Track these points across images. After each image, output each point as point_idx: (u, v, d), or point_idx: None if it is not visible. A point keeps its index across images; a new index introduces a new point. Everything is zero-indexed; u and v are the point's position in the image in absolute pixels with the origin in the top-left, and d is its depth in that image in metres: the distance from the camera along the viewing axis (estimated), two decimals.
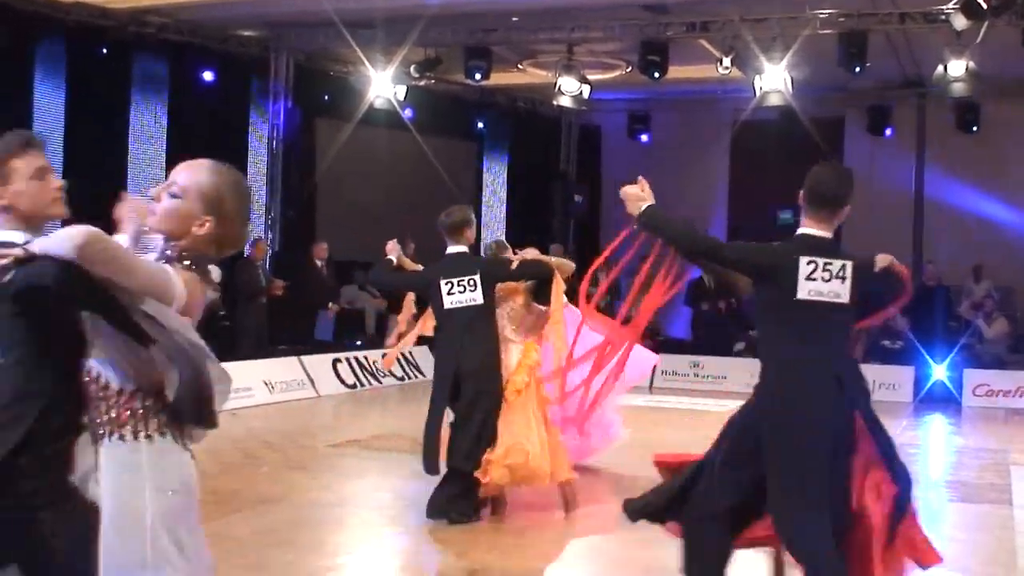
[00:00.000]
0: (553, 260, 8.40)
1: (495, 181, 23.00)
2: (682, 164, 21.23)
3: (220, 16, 16.91)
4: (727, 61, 16.23)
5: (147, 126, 17.86)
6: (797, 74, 16.35)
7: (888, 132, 20.13)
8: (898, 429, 13.08)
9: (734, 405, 13.08)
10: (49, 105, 16.65)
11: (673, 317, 20.24)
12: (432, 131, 20.52)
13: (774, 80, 16.11)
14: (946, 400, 15.29)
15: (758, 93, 16.41)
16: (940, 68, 15.63)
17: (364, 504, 8.44)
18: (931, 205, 20.42)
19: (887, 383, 15.93)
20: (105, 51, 16.81)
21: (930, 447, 12.67)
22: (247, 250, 15.73)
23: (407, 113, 19.01)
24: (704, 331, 18.38)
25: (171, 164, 13.95)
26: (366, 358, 15.62)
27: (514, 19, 16.65)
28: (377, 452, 10.26)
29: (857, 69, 15.31)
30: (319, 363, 14.67)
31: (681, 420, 12.32)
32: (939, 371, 15.68)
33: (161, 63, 17.89)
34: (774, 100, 16.47)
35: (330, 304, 16.36)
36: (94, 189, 17.47)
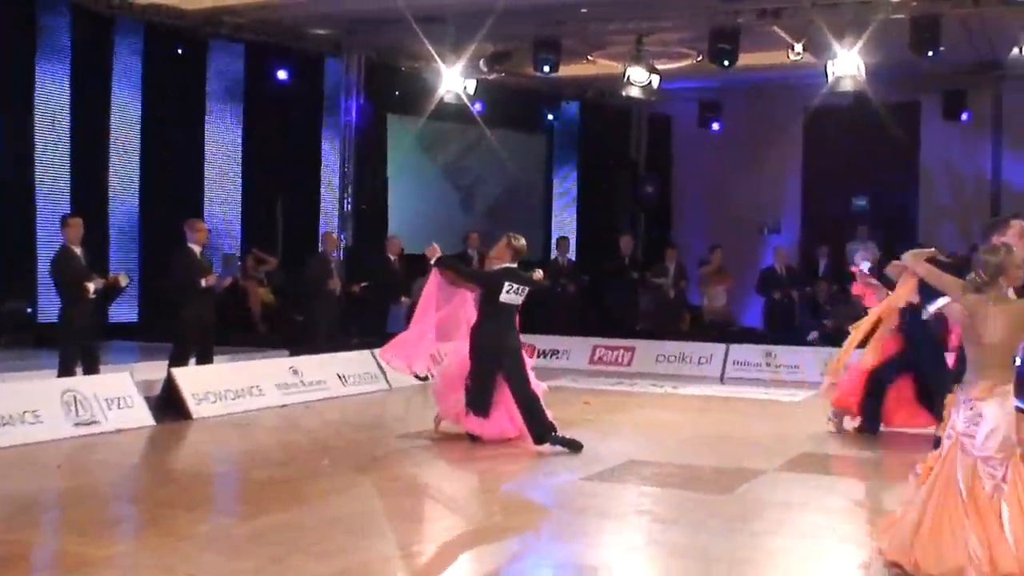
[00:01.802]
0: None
1: (565, 173, 23.00)
2: (754, 152, 21.08)
3: (293, 15, 17.10)
4: (799, 47, 16.09)
5: (223, 124, 18.18)
6: (870, 59, 16.12)
7: (964, 116, 19.77)
8: None
9: (805, 396, 13.10)
10: (127, 105, 17.00)
11: (746, 306, 20.11)
12: (502, 124, 20.58)
13: (847, 65, 15.88)
14: None
15: (831, 79, 16.17)
16: (1016, 50, 15.34)
17: (434, 495, 8.52)
18: (1009, 190, 20.03)
19: None
20: (181, 51, 17.12)
21: None
22: (320, 245, 15.93)
23: (477, 107, 19.06)
24: (777, 320, 18.20)
25: (247, 161, 14.38)
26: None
27: (583, 10, 16.60)
28: (447, 443, 10.33)
29: (930, 53, 15.06)
30: None
31: (752, 410, 12.24)
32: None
33: (236, 62, 18.19)
34: (847, 85, 16.23)
35: (402, 298, 16.48)
36: (172, 188, 17.99)
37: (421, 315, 10.69)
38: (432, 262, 10.58)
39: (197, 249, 12.44)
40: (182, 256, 12.40)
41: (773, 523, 7.41)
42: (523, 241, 10.46)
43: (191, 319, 12.29)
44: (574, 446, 9.76)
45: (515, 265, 10.28)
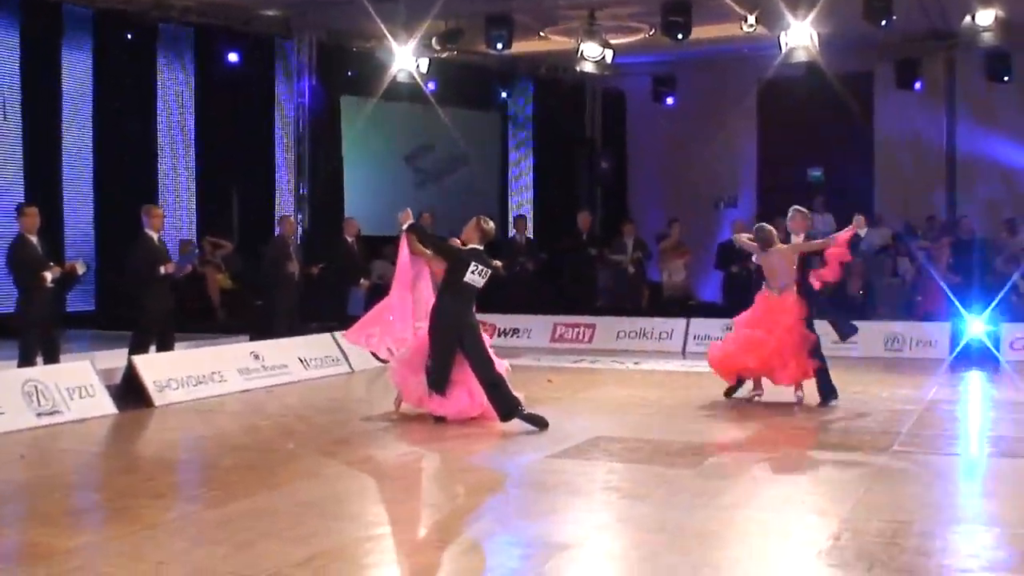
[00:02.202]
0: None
1: (520, 150, 22.96)
2: (709, 125, 21.12)
3: None
4: (752, 19, 16.11)
5: (175, 109, 17.96)
6: (823, 29, 16.17)
7: (918, 86, 19.90)
8: (936, 385, 13.03)
9: None
10: (78, 92, 16.77)
11: (705, 281, 20.19)
12: (456, 103, 20.50)
13: (800, 36, 15.95)
14: (984, 355, 15.16)
15: (784, 50, 16.24)
16: (968, 18, 15.46)
17: (401, 476, 8.50)
18: (964, 158, 20.21)
19: (924, 340, 15.84)
20: (130, 36, 16.89)
21: (968, 402, 12.60)
22: (277, 228, 15.79)
23: (430, 86, 18.96)
24: (736, 294, 18.27)
25: (199, 147, 14.26)
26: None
27: None
28: (412, 425, 10.31)
29: (883, 23, 15.13)
30: None
31: (713, 383, 12.27)
32: (976, 326, 15.52)
33: (186, 46, 17.97)
34: (800, 56, 16.30)
35: (362, 280, 16.41)
36: (126, 175, 17.75)
37: (396, 288, 10.73)
38: (404, 228, 10.54)
39: (155, 236, 12.33)
40: (141, 243, 12.26)
41: (741, 496, 7.45)
42: (492, 224, 10.56)
43: (151, 306, 12.18)
44: (540, 423, 9.76)
45: (482, 248, 10.28)
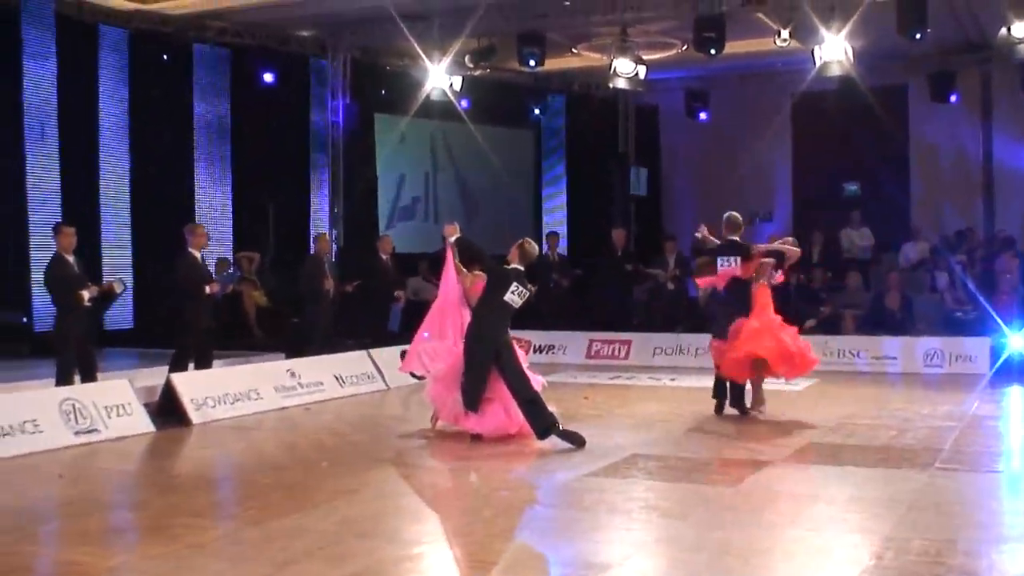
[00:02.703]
0: None
1: (554, 167, 22.96)
2: (743, 140, 21.06)
3: (277, 17, 17.05)
4: (785, 33, 16.06)
5: (211, 129, 18.08)
6: (857, 43, 16.10)
7: (953, 98, 19.74)
8: (977, 401, 12.88)
9: (807, 384, 13.08)
10: (114, 113, 16.91)
11: None
12: (489, 120, 20.55)
13: (834, 50, 15.87)
14: None
15: (818, 64, 16.16)
16: (1004, 30, 15.32)
17: (438, 494, 8.48)
18: (1000, 171, 20.04)
19: (963, 355, 15.64)
20: (166, 57, 17.02)
21: (1011, 418, 12.45)
22: (312, 246, 15.85)
23: (463, 104, 19.01)
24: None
25: (236, 165, 14.38)
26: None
27: (566, 3, 16.58)
28: (448, 442, 10.29)
29: (918, 36, 15.03)
30: (388, 356, 14.74)
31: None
32: (1016, 341, 15.35)
33: (222, 66, 18.11)
34: (835, 70, 16.22)
35: (396, 293, 16.47)
36: (162, 194, 17.93)
37: (440, 302, 10.90)
38: (451, 240, 10.55)
39: (198, 254, 12.50)
40: (184, 262, 12.43)
41: (782, 514, 7.39)
42: (535, 246, 10.62)
43: (193, 324, 12.34)
44: (577, 440, 9.72)
45: (523, 268, 10.29)
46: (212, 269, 14.71)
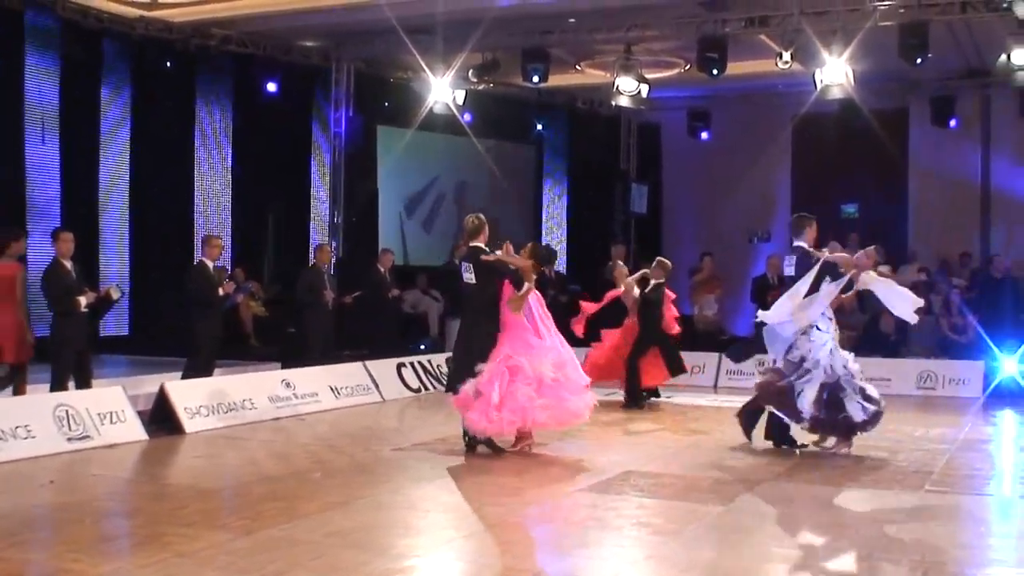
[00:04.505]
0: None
1: (555, 183, 23.02)
2: (743, 160, 21.13)
3: (282, 27, 17.11)
4: (787, 55, 16.14)
5: (213, 137, 18.14)
6: (858, 66, 16.18)
7: (953, 123, 19.85)
8: (969, 424, 12.91)
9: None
10: (117, 119, 16.97)
11: (738, 315, 20.11)
12: (491, 134, 20.61)
13: (835, 73, 15.96)
14: (1017, 394, 15.02)
15: (819, 86, 16.26)
16: (1003, 56, 15.41)
17: (431, 507, 8.48)
18: (998, 196, 20.13)
19: (957, 378, 15.71)
20: (170, 64, 17.08)
21: (1002, 442, 12.47)
22: (312, 257, 15.89)
23: (466, 118, 19.07)
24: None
25: (236, 175, 14.40)
26: (430, 362, 15.69)
27: (571, 20, 16.66)
28: (442, 455, 10.30)
29: (919, 60, 15.12)
30: (384, 368, 14.77)
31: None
32: (1009, 365, 15.39)
33: (225, 75, 18.18)
34: (835, 93, 16.32)
35: (393, 291, 16.55)
36: (162, 202, 18.01)
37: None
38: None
39: (210, 264, 12.79)
40: (197, 271, 12.75)
41: (773, 534, 7.41)
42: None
43: (203, 333, 12.63)
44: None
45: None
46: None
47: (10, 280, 11.22)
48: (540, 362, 10.03)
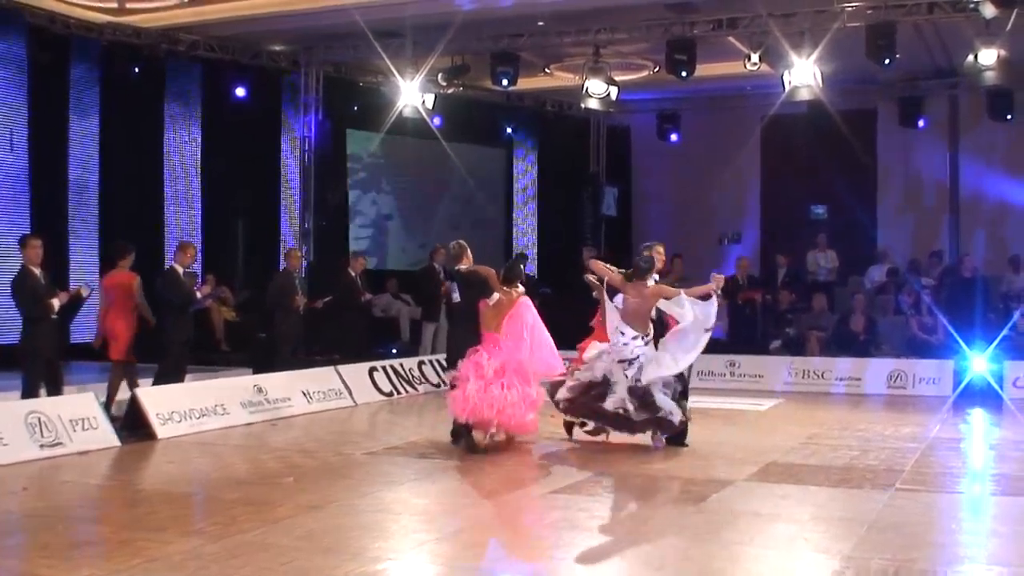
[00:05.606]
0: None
1: (525, 185, 23.05)
2: (713, 162, 21.24)
3: (250, 32, 17.06)
4: (755, 57, 16.22)
5: (182, 142, 18.06)
6: (826, 68, 16.29)
7: (921, 123, 20.00)
8: (939, 423, 13.01)
9: (770, 405, 13.20)
10: (84, 123, 16.85)
11: None
12: (461, 138, 20.62)
13: (803, 74, 16.07)
14: (987, 393, 15.14)
15: (787, 88, 16.36)
16: (971, 57, 15.54)
17: (403, 510, 8.49)
18: (967, 195, 20.29)
19: (927, 377, 15.82)
20: (138, 69, 17.00)
21: (972, 440, 12.57)
22: (282, 261, 15.85)
23: (436, 121, 19.08)
24: (740, 330, 18.24)
25: (206, 178, 14.38)
26: (402, 366, 15.68)
27: (540, 23, 16.68)
28: (414, 459, 10.31)
29: (887, 61, 15.24)
30: (356, 372, 14.75)
31: (718, 420, 12.27)
32: (979, 364, 15.51)
33: (194, 80, 18.10)
34: (804, 95, 16.43)
35: (366, 296, 16.54)
36: (132, 208, 17.87)
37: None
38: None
39: (181, 270, 12.82)
40: (171, 277, 12.78)
41: (745, 533, 7.44)
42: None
43: (175, 338, 12.61)
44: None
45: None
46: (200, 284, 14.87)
47: None
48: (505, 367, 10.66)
